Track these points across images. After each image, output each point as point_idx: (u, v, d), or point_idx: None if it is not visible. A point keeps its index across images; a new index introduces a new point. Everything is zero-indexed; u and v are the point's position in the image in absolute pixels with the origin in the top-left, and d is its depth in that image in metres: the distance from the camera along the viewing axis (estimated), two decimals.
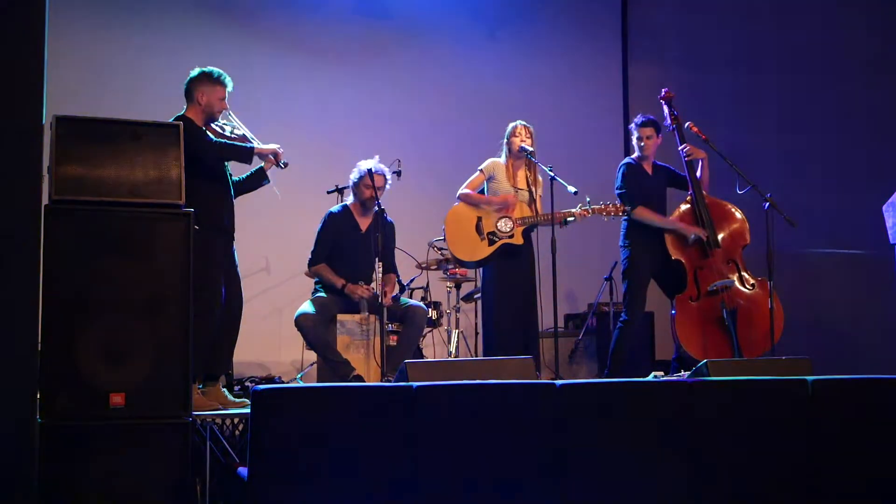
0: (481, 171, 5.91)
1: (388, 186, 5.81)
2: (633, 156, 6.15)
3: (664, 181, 6.14)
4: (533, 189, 5.85)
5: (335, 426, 3.44)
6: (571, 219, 5.71)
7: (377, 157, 5.80)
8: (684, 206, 6.05)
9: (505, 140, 5.91)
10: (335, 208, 5.89)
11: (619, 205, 5.81)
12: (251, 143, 4.99)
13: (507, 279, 5.78)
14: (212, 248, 4.61)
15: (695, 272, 5.89)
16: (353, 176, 5.76)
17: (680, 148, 6.09)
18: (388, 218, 5.76)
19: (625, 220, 5.99)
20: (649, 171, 6.08)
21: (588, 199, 5.70)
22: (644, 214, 5.90)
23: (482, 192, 5.97)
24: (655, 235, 5.93)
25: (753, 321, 5.80)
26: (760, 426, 3.86)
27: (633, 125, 6.14)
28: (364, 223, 5.77)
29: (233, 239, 4.94)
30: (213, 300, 4.66)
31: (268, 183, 5.13)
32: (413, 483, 3.47)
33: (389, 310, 5.45)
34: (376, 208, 5.63)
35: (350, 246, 5.69)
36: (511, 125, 5.93)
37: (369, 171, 5.64)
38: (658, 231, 5.92)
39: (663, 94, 6.29)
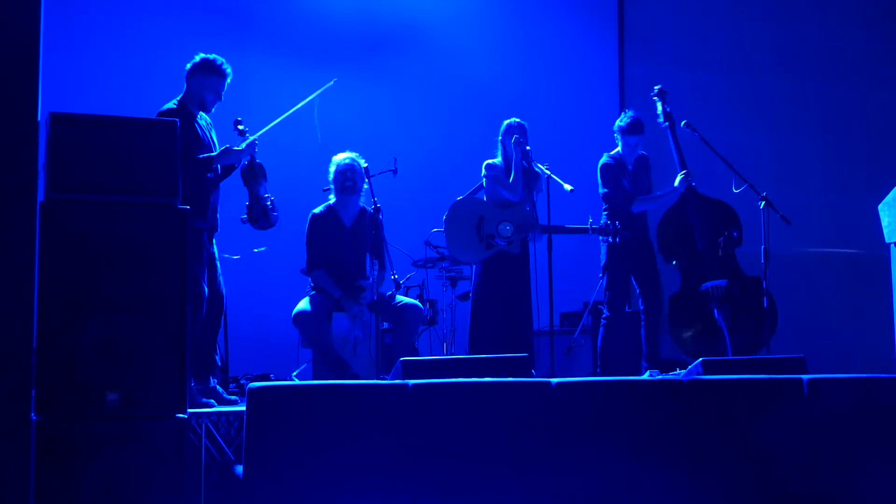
0: (485, 178, 5.87)
1: (367, 178, 5.66)
2: (612, 153, 6.04)
3: (642, 168, 6.10)
4: (529, 187, 5.84)
5: (330, 424, 3.45)
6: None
7: (348, 151, 5.76)
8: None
9: (499, 138, 5.89)
10: (317, 210, 5.79)
11: (618, 228, 5.68)
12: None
13: (497, 279, 5.76)
14: (196, 245, 4.60)
15: (687, 273, 5.88)
16: (330, 173, 5.73)
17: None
18: (370, 209, 5.51)
19: (605, 212, 5.96)
20: (629, 165, 6.04)
21: (590, 221, 5.70)
22: (641, 203, 5.89)
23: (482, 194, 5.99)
24: (639, 235, 5.90)
25: (745, 321, 5.79)
26: (756, 425, 3.87)
27: (620, 130, 6.00)
28: (348, 219, 5.73)
29: (214, 233, 4.94)
30: (198, 297, 4.67)
31: (248, 159, 5.02)
32: (408, 480, 3.48)
33: (385, 308, 5.44)
34: (363, 203, 5.66)
35: (336, 245, 5.65)
36: (505, 123, 5.90)
37: (340, 165, 5.68)
38: (643, 232, 5.90)
39: (656, 91, 6.26)
